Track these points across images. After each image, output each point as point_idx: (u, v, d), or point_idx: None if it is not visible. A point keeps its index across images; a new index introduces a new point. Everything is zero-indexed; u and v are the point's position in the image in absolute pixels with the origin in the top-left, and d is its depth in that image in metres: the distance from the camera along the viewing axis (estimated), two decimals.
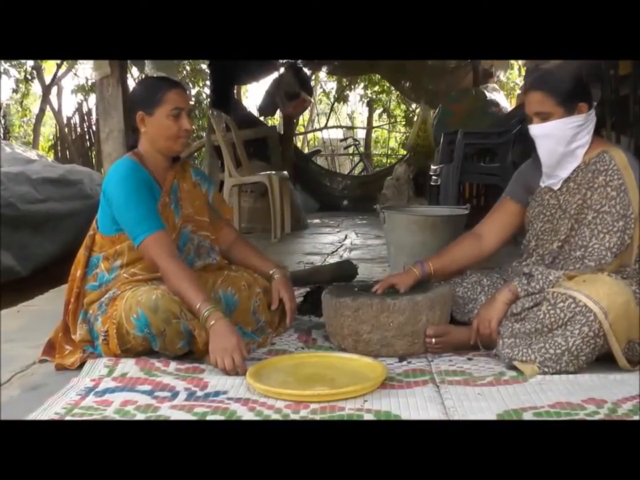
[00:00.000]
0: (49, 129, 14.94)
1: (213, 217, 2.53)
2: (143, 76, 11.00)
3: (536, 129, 2.25)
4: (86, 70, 12.10)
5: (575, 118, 2.19)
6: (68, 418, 1.72)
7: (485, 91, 7.28)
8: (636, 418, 1.66)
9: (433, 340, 2.25)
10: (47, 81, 11.81)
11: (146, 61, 6.74)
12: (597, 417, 1.68)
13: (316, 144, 14.72)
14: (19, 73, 11.69)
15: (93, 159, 9.83)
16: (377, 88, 13.10)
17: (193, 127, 2.54)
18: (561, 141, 2.21)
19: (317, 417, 1.72)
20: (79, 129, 10.36)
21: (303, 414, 1.75)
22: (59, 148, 10.33)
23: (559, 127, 2.20)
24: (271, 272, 2.51)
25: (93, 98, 10.71)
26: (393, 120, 14.80)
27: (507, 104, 7.46)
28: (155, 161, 2.36)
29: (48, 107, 11.86)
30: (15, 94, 12.68)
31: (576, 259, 2.17)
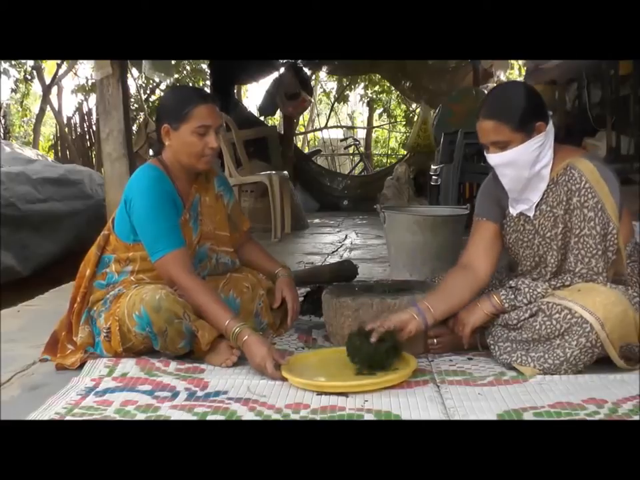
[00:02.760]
0: (49, 128, 14.93)
1: (231, 229, 2.47)
2: (143, 76, 11.04)
3: (495, 158, 2.08)
4: (86, 70, 12.11)
5: (536, 139, 2.04)
6: (68, 418, 1.72)
7: (485, 91, 7.28)
8: (636, 418, 1.66)
9: (434, 340, 2.25)
10: (47, 80, 11.81)
11: (144, 61, 6.74)
12: (597, 417, 1.68)
13: (316, 144, 14.72)
14: (19, 73, 11.71)
15: (93, 159, 9.82)
16: (377, 88, 13.12)
17: None
18: (525, 166, 2.06)
19: (317, 417, 1.72)
20: (79, 129, 10.35)
21: (303, 414, 1.75)
22: (59, 148, 10.32)
23: (521, 153, 2.04)
24: (275, 271, 2.51)
25: (93, 98, 10.72)
26: (393, 120, 14.81)
27: None
28: (179, 172, 2.28)
29: (48, 106, 11.86)
30: (15, 94, 12.70)
31: (565, 281, 2.10)
